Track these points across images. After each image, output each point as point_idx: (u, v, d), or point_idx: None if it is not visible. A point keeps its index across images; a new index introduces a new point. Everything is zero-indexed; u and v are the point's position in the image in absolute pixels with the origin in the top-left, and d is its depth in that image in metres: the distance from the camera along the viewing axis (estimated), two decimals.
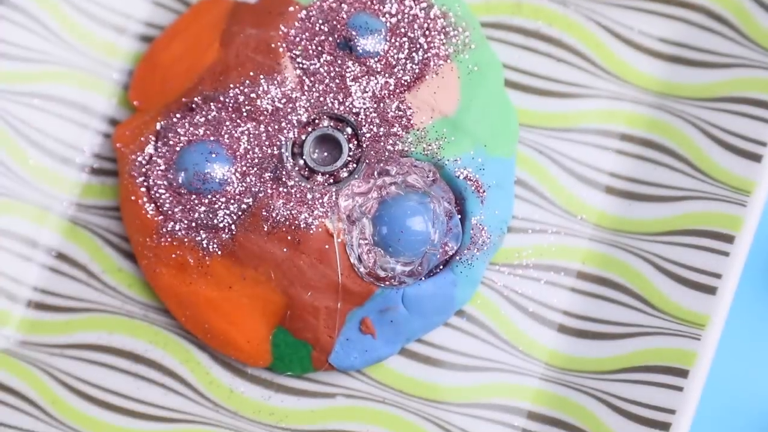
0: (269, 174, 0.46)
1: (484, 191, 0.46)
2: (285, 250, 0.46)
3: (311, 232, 0.46)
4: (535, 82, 0.49)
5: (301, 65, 0.47)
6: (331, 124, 0.47)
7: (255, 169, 0.46)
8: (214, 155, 0.46)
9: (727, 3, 0.48)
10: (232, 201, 0.46)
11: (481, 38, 0.48)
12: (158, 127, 0.47)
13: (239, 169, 0.46)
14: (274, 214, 0.46)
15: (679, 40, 0.48)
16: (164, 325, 0.48)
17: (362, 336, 0.46)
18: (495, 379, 0.47)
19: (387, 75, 0.47)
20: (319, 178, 0.47)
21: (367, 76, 0.47)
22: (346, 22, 0.47)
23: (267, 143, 0.46)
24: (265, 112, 0.47)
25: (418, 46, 0.47)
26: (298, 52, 0.47)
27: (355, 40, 0.47)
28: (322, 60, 0.47)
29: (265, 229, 0.46)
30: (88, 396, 0.47)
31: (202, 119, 0.47)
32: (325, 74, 0.47)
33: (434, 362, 0.47)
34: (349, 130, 0.47)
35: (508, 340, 0.47)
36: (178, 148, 0.47)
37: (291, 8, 0.47)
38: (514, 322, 0.48)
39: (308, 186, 0.46)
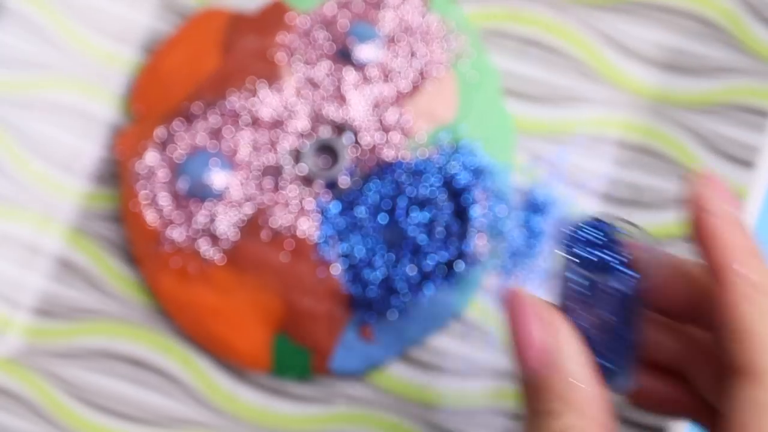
0: (269, 181, 0.47)
1: (482, 199, 0.46)
2: (285, 256, 0.46)
3: (311, 239, 0.46)
4: (532, 89, 0.49)
5: (300, 73, 0.47)
6: (330, 131, 0.47)
7: (255, 176, 0.47)
8: (214, 163, 0.46)
9: (721, 11, 0.48)
10: (232, 208, 0.46)
11: (478, 46, 0.48)
12: (159, 135, 0.47)
13: (239, 177, 0.47)
14: (273, 222, 0.46)
15: (674, 47, 0.49)
16: (165, 331, 0.48)
17: (361, 341, 0.46)
18: (495, 384, 0.47)
19: (385, 82, 0.47)
20: (319, 185, 0.47)
21: (365, 84, 0.47)
22: (345, 30, 0.47)
23: (267, 151, 0.47)
24: (265, 120, 0.47)
25: (416, 54, 0.47)
26: (297, 61, 0.47)
27: (354, 48, 0.47)
28: (321, 68, 0.47)
29: (265, 237, 0.46)
30: (90, 401, 0.47)
31: (202, 127, 0.47)
32: (323, 82, 0.47)
33: (433, 368, 0.48)
34: (347, 137, 0.47)
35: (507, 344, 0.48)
36: (178, 156, 0.47)
37: (290, 17, 0.48)
38: None
39: (308, 193, 0.46)
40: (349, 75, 0.47)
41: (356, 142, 0.47)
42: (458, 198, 0.46)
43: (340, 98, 0.47)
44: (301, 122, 0.47)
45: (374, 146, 0.47)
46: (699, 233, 0.36)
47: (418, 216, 0.46)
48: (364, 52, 0.47)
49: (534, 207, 0.47)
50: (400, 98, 0.47)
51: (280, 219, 0.46)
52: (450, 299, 0.46)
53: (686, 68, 0.48)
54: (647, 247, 0.36)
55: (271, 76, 0.47)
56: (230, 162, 0.47)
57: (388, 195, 0.46)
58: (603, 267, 0.36)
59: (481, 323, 0.48)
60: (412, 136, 0.47)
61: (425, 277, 0.46)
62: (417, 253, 0.46)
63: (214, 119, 0.47)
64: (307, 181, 0.47)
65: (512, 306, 0.36)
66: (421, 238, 0.45)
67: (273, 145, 0.47)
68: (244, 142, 0.47)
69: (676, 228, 0.47)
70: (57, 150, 0.49)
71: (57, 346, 0.48)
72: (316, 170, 0.47)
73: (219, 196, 0.46)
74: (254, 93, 0.47)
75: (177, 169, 0.47)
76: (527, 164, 0.48)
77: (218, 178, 0.46)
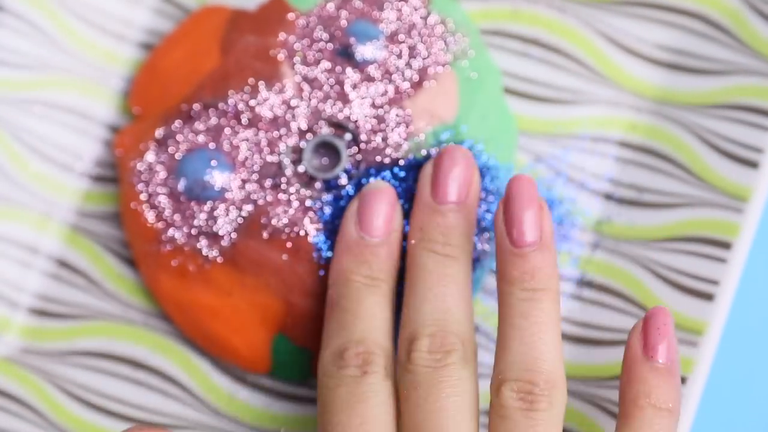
0: (269, 181, 0.47)
1: (483, 198, 0.46)
2: (285, 257, 0.46)
3: (311, 239, 0.46)
4: (533, 89, 0.49)
5: (300, 72, 0.47)
6: (330, 131, 0.47)
7: (255, 176, 0.47)
8: (214, 162, 0.46)
9: (724, 10, 0.48)
10: (232, 208, 0.46)
11: (479, 45, 0.48)
12: (158, 134, 0.47)
13: (239, 177, 0.47)
14: (273, 221, 0.46)
15: (677, 47, 0.48)
16: (164, 332, 0.48)
17: None
18: None
19: (386, 82, 0.47)
20: (319, 184, 0.47)
21: (365, 83, 0.47)
22: (345, 29, 0.47)
23: (267, 150, 0.47)
24: (265, 120, 0.47)
25: (416, 53, 0.47)
26: (297, 60, 0.47)
27: (354, 48, 0.47)
28: (321, 67, 0.47)
29: (265, 236, 0.46)
30: (89, 402, 0.47)
31: (202, 126, 0.47)
32: (324, 81, 0.47)
33: None
34: (348, 136, 0.47)
35: None
36: (178, 156, 0.47)
37: (290, 16, 0.47)
38: None
39: (308, 193, 0.46)
40: (350, 74, 0.47)
41: (356, 141, 0.47)
42: None
43: (341, 98, 0.47)
44: (301, 122, 0.47)
45: (374, 146, 0.47)
46: None
47: None
48: (365, 51, 0.47)
49: None
50: (400, 98, 0.47)
51: (280, 219, 0.46)
52: None
53: (689, 68, 0.48)
54: None
55: (271, 75, 0.47)
56: (230, 162, 0.47)
57: None
58: None
59: (481, 324, 0.48)
60: (412, 135, 0.47)
61: None
62: None
63: (214, 119, 0.47)
64: (307, 180, 0.47)
65: None
66: None
67: (273, 144, 0.47)
68: (244, 141, 0.47)
69: (676, 228, 0.47)
70: (56, 150, 0.49)
71: (56, 347, 0.48)
72: (316, 170, 0.47)
73: (219, 196, 0.46)
74: (254, 92, 0.47)
75: (177, 169, 0.47)
76: (528, 164, 0.48)
77: (218, 177, 0.46)
